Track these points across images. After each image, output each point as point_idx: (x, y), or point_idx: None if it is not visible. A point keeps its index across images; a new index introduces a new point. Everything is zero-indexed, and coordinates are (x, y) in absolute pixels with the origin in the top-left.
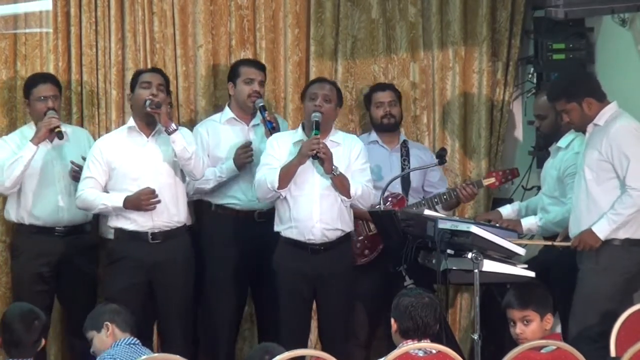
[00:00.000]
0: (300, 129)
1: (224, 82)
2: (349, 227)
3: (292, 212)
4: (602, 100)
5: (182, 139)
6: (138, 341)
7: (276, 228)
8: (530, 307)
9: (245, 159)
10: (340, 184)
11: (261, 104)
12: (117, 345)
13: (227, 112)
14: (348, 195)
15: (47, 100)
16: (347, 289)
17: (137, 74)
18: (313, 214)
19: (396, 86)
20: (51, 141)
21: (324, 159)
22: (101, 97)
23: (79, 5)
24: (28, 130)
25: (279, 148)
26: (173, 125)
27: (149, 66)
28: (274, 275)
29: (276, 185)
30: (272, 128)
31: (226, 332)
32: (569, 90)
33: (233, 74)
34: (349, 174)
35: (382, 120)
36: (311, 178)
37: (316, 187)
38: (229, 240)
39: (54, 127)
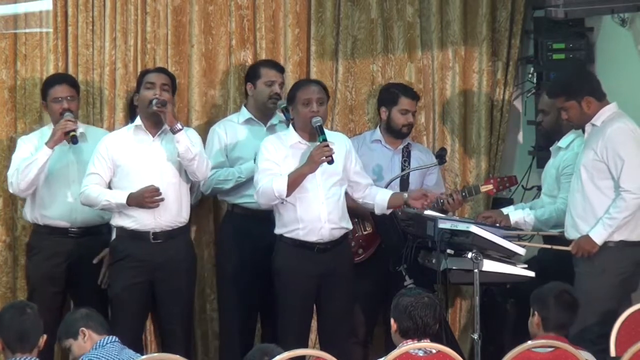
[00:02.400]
0: (291, 130)
1: (223, 82)
2: (350, 224)
3: (300, 214)
4: (601, 100)
5: (186, 139)
6: (117, 339)
7: (278, 230)
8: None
9: None
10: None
11: (283, 105)
12: (99, 346)
13: (245, 113)
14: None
15: (62, 101)
16: (350, 286)
17: (143, 74)
18: (321, 214)
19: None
20: (68, 142)
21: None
22: (96, 97)
23: (76, 5)
24: (47, 130)
25: (276, 152)
26: (178, 125)
27: (140, 66)
28: (276, 277)
29: (284, 194)
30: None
31: (243, 330)
32: (569, 88)
33: (253, 74)
34: (345, 173)
35: (402, 128)
36: (314, 179)
37: (320, 187)
38: (246, 239)
39: (68, 130)
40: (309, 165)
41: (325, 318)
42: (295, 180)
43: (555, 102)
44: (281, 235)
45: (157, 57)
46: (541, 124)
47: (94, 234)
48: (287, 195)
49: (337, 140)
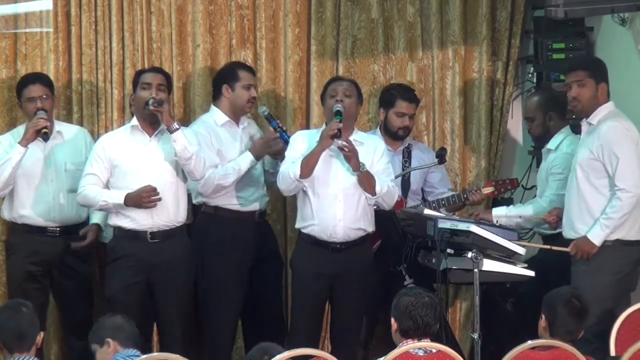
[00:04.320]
0: (324, 125)
1: None
2: (371, 226)
3: (315, 210)
4: (609, 97)
5: (183, 138)
6: (138, 353)
7: (297, 225)
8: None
9: (267, 149)
10: (367, 181)
11: (266, 112)
12: (119, 357)
13: (221, 115)
14: (373, 193)
15: (36, 100)
16: (364, 289)
17: (138, 74)
18: (336, 212)
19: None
20: (45, 141)
21: (350, 157)
22: (100, 97)
23: (79, 5)
24: (22, 130)
25: (304, 143)
26: (175, 124)
27: (147, 65)
28: (292, 272)
29: (298, 174)
30: (287, 138)
31: (227, 333)
32: (594, 65)
33: (230, 77)
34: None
35: (398, 130)
36: (335, 176)
37: (340, 185)
38: (230, 241)
39: (40, 128)
40: (320, 142)
41: (337, 318)
42: (309, 160)
43: (573, 74)
44: (300, 231)
45: (163, 57)
46: (529, 132)
47: (72, 233)
48: (303, 177)
49: (367, 140)
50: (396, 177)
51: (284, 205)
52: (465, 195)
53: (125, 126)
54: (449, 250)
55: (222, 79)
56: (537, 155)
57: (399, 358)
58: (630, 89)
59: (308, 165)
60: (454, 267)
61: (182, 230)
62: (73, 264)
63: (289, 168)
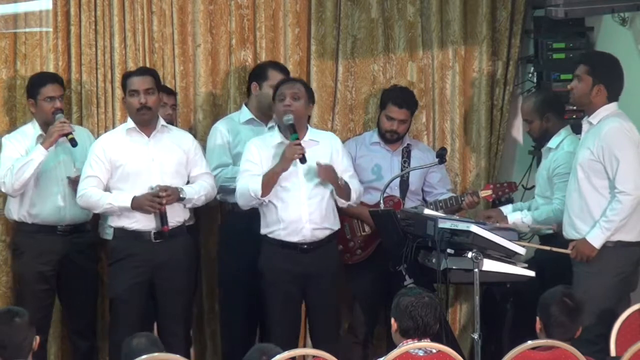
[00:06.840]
0: (276, 130)
1: (223, 82)
2: (336, 225)
3: (281, 214)
4: (611, 99)
5: (192, 200)
6: None
7: (262, 231)
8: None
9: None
10: (344, 192)
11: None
12: None
13: (246, 113)
14: (348, 199)
15: (55, 100)
16: (336, 287)
17: (125, 78)
18: (302, 214)
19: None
20: (74, 146)
21: (331, 182)
22: (100, 97)
23: (78, 4)
24: (31, 129)
25: (259, 153)
26: (180, 195)
27: (148, 65)
28: (261, 277)
29: (259, 193)
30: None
31: (244, 329)
32: (596, 65)
33: (260, 75)
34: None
35: (385, 133)
36: (297, 179)
37: (303, 188)
38: (247, 238)
39: (66, 133)
40: (282, 163)
41: (314, 318)
42: (269, 180)
43: (577, 67)
44: (265, 236)
45: (165, 57)
46: (529, 133)
47: (80, 232)
48: (264, 195)
49: (323, 139)
50: (394, 178)
51: None
52: (462, 198)
53: (120, 128)
54: (449, 250)
55: (252, 76)
56: (537, 155)
57: (399, 358)
58: (630, 89)
59: (269, 185)
60: (454, 267)
61: (183, 229)
62: (82, 263)
63: (249, 185)
